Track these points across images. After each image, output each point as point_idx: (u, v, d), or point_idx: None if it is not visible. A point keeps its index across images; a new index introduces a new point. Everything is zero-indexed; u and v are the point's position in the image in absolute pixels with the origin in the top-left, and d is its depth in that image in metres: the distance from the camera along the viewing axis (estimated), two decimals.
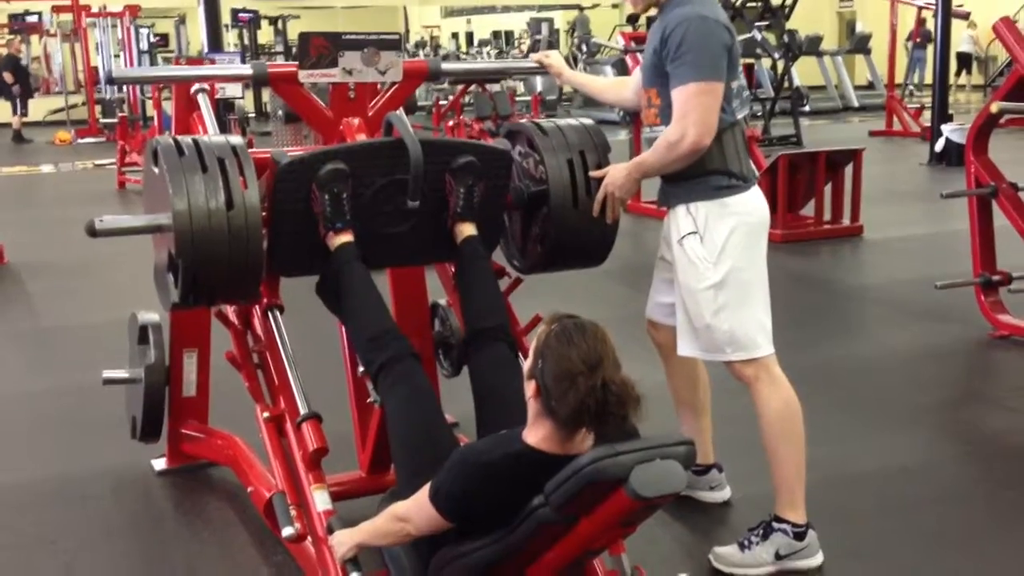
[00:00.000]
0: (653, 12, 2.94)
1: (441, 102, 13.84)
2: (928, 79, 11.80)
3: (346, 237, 2.75)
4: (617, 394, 2.03)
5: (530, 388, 2.13)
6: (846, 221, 7.57)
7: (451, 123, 11.92)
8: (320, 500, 2.61)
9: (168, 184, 2.50)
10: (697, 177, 2.82)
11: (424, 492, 2.17)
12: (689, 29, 2.71)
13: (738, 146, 2.86)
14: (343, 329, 2.90)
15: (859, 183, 7.53)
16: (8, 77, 16.50)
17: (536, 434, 2.13)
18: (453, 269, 3.05)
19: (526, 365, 2.16)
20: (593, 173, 2.98)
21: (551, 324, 2.13)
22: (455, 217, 2.87)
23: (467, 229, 2.88)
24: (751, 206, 2.88)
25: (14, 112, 16.52)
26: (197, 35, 10.98)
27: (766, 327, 2.89)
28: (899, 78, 14.82)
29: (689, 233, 2.85)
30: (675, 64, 2.74)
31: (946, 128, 10.01)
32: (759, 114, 13.50)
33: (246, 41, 19.82)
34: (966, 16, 13.55)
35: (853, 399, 4.32)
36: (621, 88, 3.35)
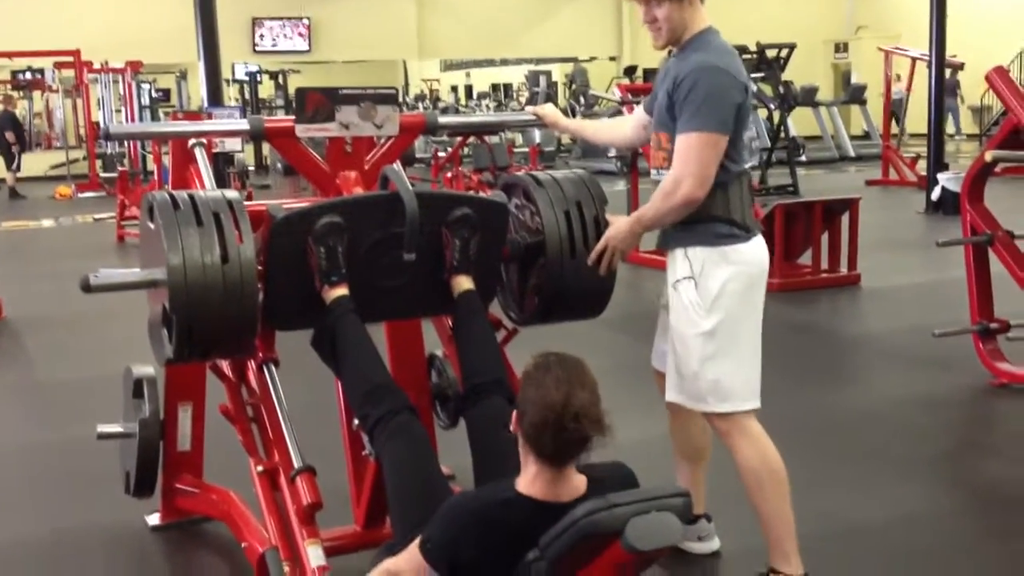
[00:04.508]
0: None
1: (440, 154, 13.92)
2: (922, 128, 11.86)
3: (342, 291, 2.75)
4: (582, 405, 2.03)
5: (514, 419, 2.14)
6: (843, 270, 7.57)
7: (449, 175, 11.97)
8: (314, 555, 2.58)
9: (163, 239, 2.50)
10: (699, 223, 2.81)
11: (415, 544, 2.16)
12: (701, 79, 2.70)
13: (743, 196, 2.85)
14: (339, 382, 2.89)
15: (856, 232, 7.54)
16: (10, 137, 16.63)
17: (526, 477, 2.13)
18: (450, 322, 3.05)
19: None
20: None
21: (536, 359, 2.16)
22: (452, 270, 2.87)
23: (464, 283, 2.88)
24: (750, 256, 2.86)
25: (8, 168, 16.58)
26: (198, 90, 11.04)
27: (751, 381, 2.85)
28: (894, 128, 14.94)
29: (684, 277, 2.84)
30: (681, 111, 2.74)
31: (942, 177, 10.06)
32: (755, 164, 13.59)
33: (247, 96, 19.99)
34: (960, 67, 13.69)
35: (852, 448, 4.29)
36: (616, 128, 3.36)
